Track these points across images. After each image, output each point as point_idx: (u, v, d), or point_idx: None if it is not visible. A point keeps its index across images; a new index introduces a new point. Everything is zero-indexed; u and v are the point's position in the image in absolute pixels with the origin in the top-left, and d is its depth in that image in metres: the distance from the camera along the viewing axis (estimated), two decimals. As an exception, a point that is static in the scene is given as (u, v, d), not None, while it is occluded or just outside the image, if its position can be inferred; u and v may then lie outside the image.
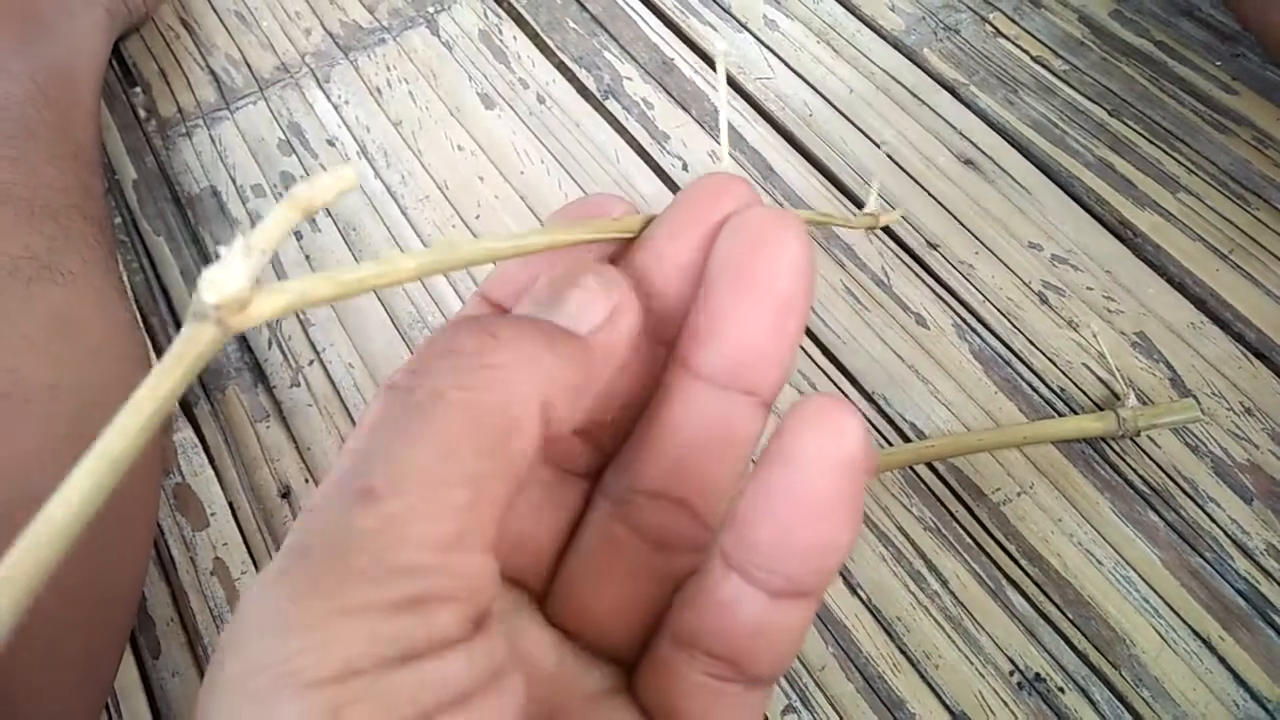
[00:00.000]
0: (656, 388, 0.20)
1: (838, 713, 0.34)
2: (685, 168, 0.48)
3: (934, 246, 0.44)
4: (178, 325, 0.43)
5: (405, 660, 0.13)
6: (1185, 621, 0.35)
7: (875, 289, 0.43)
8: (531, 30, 0.54)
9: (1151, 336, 0.41)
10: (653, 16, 0.54)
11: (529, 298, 0.18)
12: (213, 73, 0.53)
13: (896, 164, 0.47)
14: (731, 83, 0.51)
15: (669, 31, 0.54)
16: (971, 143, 0.48)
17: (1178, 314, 0.42)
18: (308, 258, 0.45)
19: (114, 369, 0.35)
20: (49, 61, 0.44)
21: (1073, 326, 0.42)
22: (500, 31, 0.54)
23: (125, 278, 0.43)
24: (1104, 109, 0.48)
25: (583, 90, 0.51)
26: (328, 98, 0.51)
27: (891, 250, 0.44)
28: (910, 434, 0.40)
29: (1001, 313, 0.42)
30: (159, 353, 0.42)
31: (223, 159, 0.49)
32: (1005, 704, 0.34)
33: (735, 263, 0.18)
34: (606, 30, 0.54)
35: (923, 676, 0.34)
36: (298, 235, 0.46)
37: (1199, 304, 0.42)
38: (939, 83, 0.50)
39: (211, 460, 0.40)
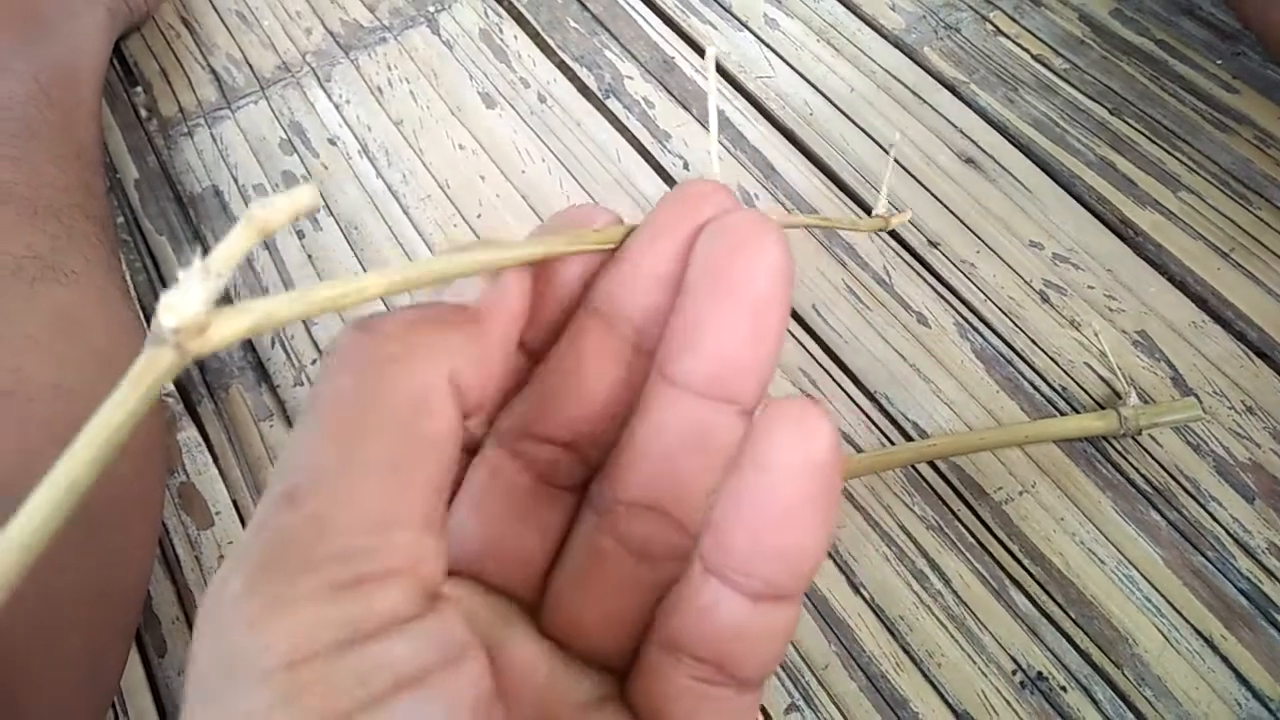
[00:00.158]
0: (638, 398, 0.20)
1: (841, 711, 0.34)
2: (686, 166, 0.48)
3: (935, 245, 0.44)
4: (180, 325, 0.43)
5: (355, 642, 0.14)
6: (1187, 620, 0.35)
7: (877, 288, 0.43)
8: (532, 29, 0.54)
9: (1153, 335, 0.41)
10: (653, 15, 0.54)
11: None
12: (214, 72, 0.53)
13: (897, 162, 0.47)
14: (732, 81, 0.51)
15: (669, 30, 0.54)
16: (972, 141, 0.48)
17: (1179, 313, 0.42)
18: (310, 257, 0.45)
19: (117, 369, 0.34)
20: (51, 61, 0.44)
21: (1074, 325, 0.42)
22: (501, 30, 0.54)
23: (128, 277, 0.43)
24: (1105, 108, 0.49)
25: (584, 89, 0.51)
26: (329, 97, 0.51)
27: (893, 249, 0.44)
28: (912, 433, 0.40)
29: (1003, 312, 0.42)
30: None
31: (224, 158, 0.49)
32: (1008, 703, 0.34)
33: (712, 268, 0.18)
34: (607, 29, 0.54)
35: (925, 675, 0.35)
36: (300, 234, 0.46)
37: (1200, 303, 0.42)
38: (940, 81, 0.50)
39: (216, 459, 0.40)
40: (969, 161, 0.47)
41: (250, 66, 0.53)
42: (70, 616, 0.30)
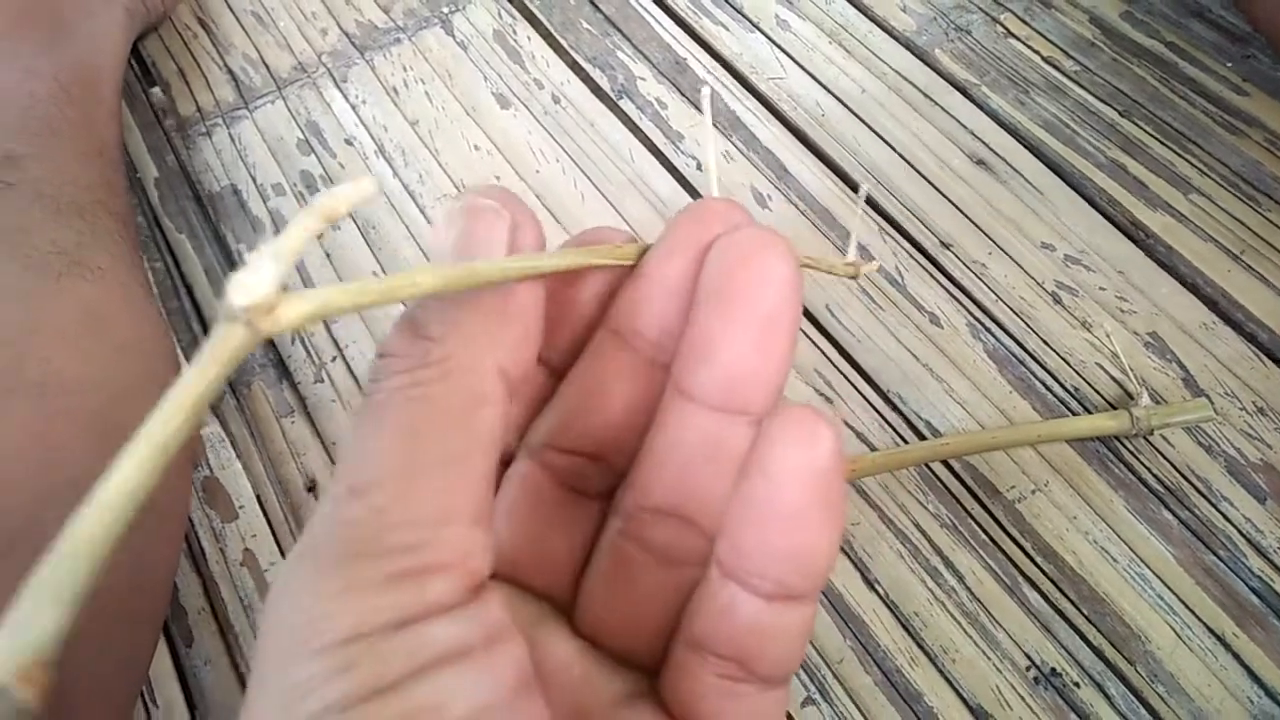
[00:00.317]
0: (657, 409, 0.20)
1: (856, 705, 0.34)
2: (699, 167, 0.48)
3: (947, 246, 0.45)
4: (201, 321, 0.44)
5: (404, 624, 0.15)
6: (1200, 618, 0.36)
7: (889, 288, 0.44)
8: (545, 31, 0.54)
9: (1164, 337, 0.42)
10: (665, 17, 0.55)
11: (441, 246, 0.19)
12: (231, 72, 0.53)
13: (909, 164, 0.48)
14: (744, 83, 0.52)
15: (681, 32, 0.54)
16: (984, 143, 0.48)
17: (1190, 314, 0.42)
18: (328, 255, 0.46)
19: (141, 364, 0.35)
20: (71, 61, 0.45)
21: (1086, 326, 0.42)
22: (514, 32, 0.54)
23: (149, 274, 0.43)
24: (1115, 110, 0.49)
25: (597, 90, 0.52)
26: (345, 97, 0.52)
27: (905, 250, 0.45)
28: (925, 432, 0.40)
29: (1015, 312, 0.43)
30: (182, 349, 0.42)
31: (243, 158, 0.50)
32: (1021, 698, 0.34)
33: (721, 283, 0.19)
34: (620, 30, 0.54)
35: (940, 670, 0.35)
36: (318, 234, 0.46)
37: (1211, 305, 0.43)
38: (951, 83, 0.51)
39: (239, 454, 0.40)
40: (980, 163, 0.48)
41: (267, 67, 0.53)
42: (105, 605, 0.30)
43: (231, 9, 0.56)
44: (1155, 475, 0.38)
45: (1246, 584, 0.36)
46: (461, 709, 0.15)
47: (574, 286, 0.21)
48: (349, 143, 0.50)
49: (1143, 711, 0.34)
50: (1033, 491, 0.38)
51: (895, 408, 0.41)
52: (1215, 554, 0.37)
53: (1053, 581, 0.36)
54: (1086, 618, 0.36)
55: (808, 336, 0.42)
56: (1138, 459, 0.39)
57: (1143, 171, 0.47)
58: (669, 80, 0.52)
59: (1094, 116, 0.49)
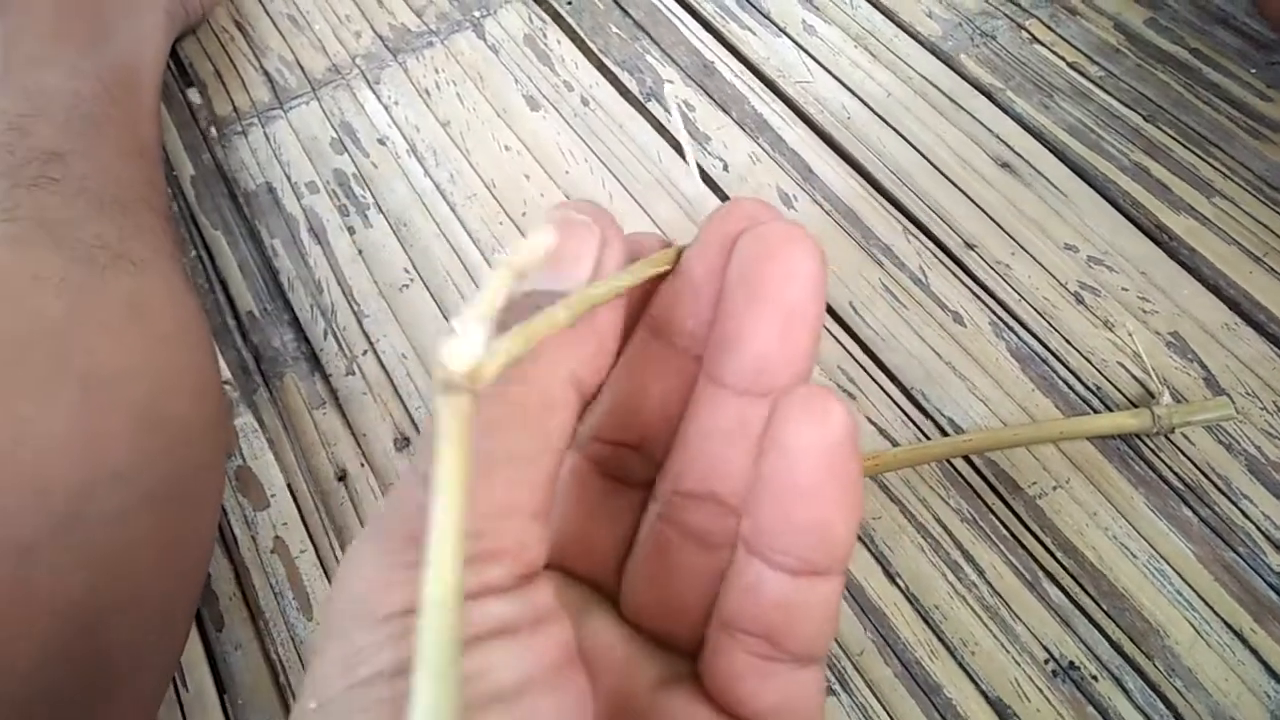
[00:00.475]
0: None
1: (876, 696, 0.35)
2: (726, 168, 0.49)
3: (971, 247, 0.45)
4: (236, 316, 0.45)
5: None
6: (1218, 614, 0.36)
7: (913, 287, 0.44)
8: (575, 34, 0.55)
9: (1186, 337, 0.42)
10: (693, 21, 0.55)
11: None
12: (266, 73, 0.54)
13: (934, 166, 0.48)
14: (771, 86, 0.52)
15: (709, 36, 0.55)
16: (1008, 146, 0.49)
17: (1212, 315, 0.43)
18: (360, 252, 0.47)
19: (182, 357, 0.36)
20: (114, 61, 0.46)
21: (1108, 326, 0.43)
22: (545, 35, 0.55)
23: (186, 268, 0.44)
24: (1139, 114, 0.49)
25: (625, 93, 0.53)
26: (378, 98, 0.53)
27: (929, 250, 0.45)
28: (948, 429, 0.40)
29: (1038, 312, 0.43)
30: (218, 342, 0.43)
31: (277, 156, 0.51)
32: (1040, 690, 0.35)
33: (749, 275, 0.20)
34: (648, 34, 0.55)
35: (960, 663, 0.35)
36: (350, 230, 0.47)
37: (1233, 306, 0.43)
38: (976, 87, 0.51)
39: (271, 444, 0.41)
40: (1005, 166, 0.48)
41: (302, 68, 0.54)
42: (146, 588, 0.31)
43: (267, 12, 0.57)
44: (1176, 473, 0.39)
45: (1265, 580, 0.36)
46: (505, 678, 0.16)
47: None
48: (382, 142, 0.51)
49: (1160, 705, 0.34)
50: (1054, 488, 0.39)
51: (918, 404, 0.41)
52: (1235, 551, 0.37)
53: (1072, 577, 0.37)
54: (1106, 613, 0.36)
55: (832, 334, 0.43)
56: (1158, 457, 0.39)
57: (1166, 175, 0.47)
58: (696, 83, 0.53)
59: (1118, 121, 0.49)
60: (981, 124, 0.50)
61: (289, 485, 0.40)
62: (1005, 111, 0.50)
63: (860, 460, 0.18)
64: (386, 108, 0.52)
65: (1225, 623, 0.36)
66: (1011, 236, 0.46)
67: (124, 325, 0.34)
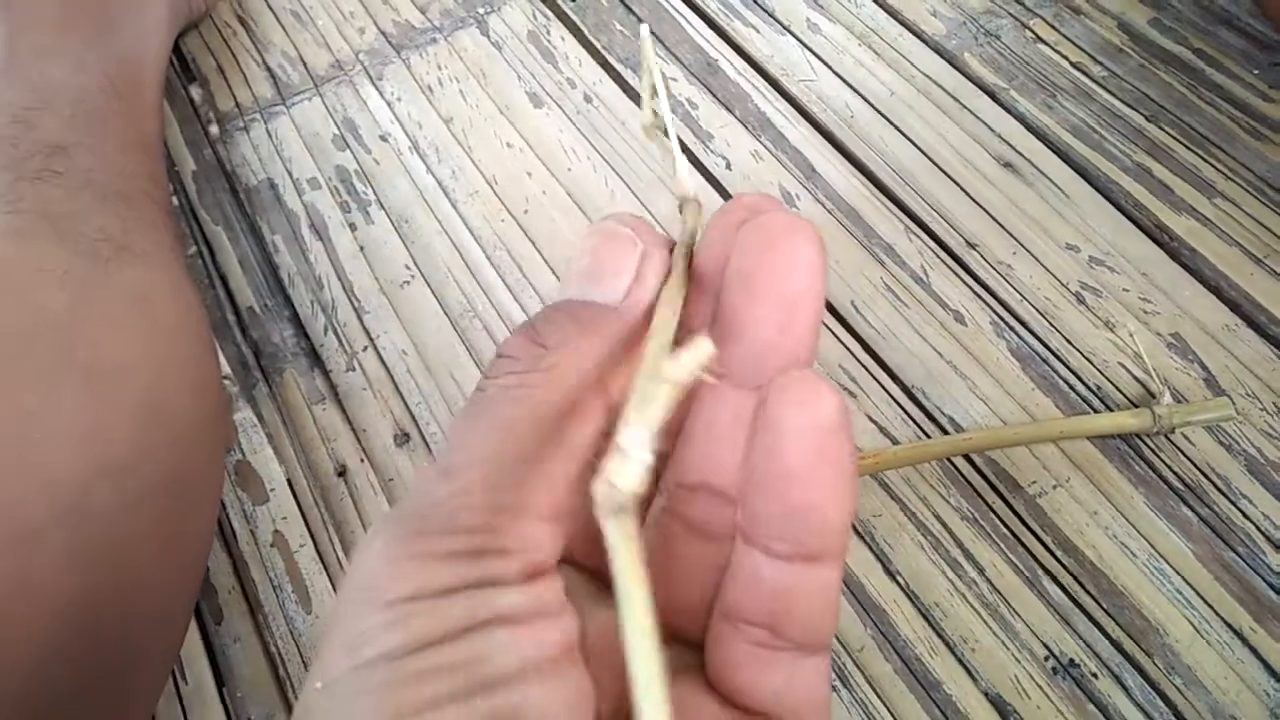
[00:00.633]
0: None
1: (876, 692, 0.35)
2: (729, 166, 0.49)
3: (973, 246, 0.45)
4: (236, 312, 0.45)
5: (462, 590, 0.16)
6: (1217, 613, 0.36)
7: (915, 286, 0.44)
8: (579, 32, 0.55)
9: (1186, 338, 0.42)
10: (697, 19, 0.55)
11: (573, 271, 0.21)
12: (269, 69, 0.54)
13: (937, 165, 0.48)
14: (774, 84, 0.52)
15: (713, 34, 0.55)
16: (1011, 146, 0.49)
17: (1213, 316, 0.43)
18: (361, 249, 0.47)
19: (184, 350, 0.36)
20: (118, 55, 0.46)
21: (1109, 326, 0.43)
22: (549, 33, 0.55)
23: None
24: (1142, 115, 0.49)
25: (628, 90, 0.53)
26: (381, 95, 0.53)
27: (931, 249, 0.45)
28: (948, 427, 0.40)
29: (1039, 312, 0.43)
30: (218, 337, 0.43)
31: (279, 152, 0.51)
32: (1040, 687, 0.35)
33: (748, 265, 0.20)
34: (652, 32, 0.55)
35: (959, 660, 0.35)
36: (352, 227, 0.47)
37: (1234, 307, 0.43)
38: (979, 87, 0.51)
39: (270, 439, 0.41)
40: (1007, 165, 0.48)
41: (305, 64, 0.54)
42: (142, 581, 0.31)
43: (271, 8, 0.57)
44: (1176, 473, 0.39)
45: (1265, 580, 0.36)
46: (504, 663, 0.16)
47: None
48: (384, 139, 0.51)
49: (1159, 703, 0.34)
50: (1054, 487, 0.39)
51: (919, 403, 0.41)
52: (1234, 550, 0.37)
53: (1072, 575, 0.37)
54: (1105, 611, 0.36)
55: (833, 333, 0.43)
56: (1158, 456, 0.39)
57: (1168, 175, 0.47)
58: (700, 81, 0.53)
59: (1121, 121, 0.49)
60: (984, 123, 0.50)
61: (288, 480, 0.40)
62: (1008, 111, 0.50)
63: (852, 443, 0.18)
64: (389, 104, 0.52)
65: (1225, 621, 0.36)
66: (1013, 236, 0.46)
67: (127, 318, 0.35)
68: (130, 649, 0.31)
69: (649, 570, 0.22)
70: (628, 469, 0.15)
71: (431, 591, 0.16)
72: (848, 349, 0.43)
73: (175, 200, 0.49)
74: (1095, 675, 0.35)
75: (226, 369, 0.43)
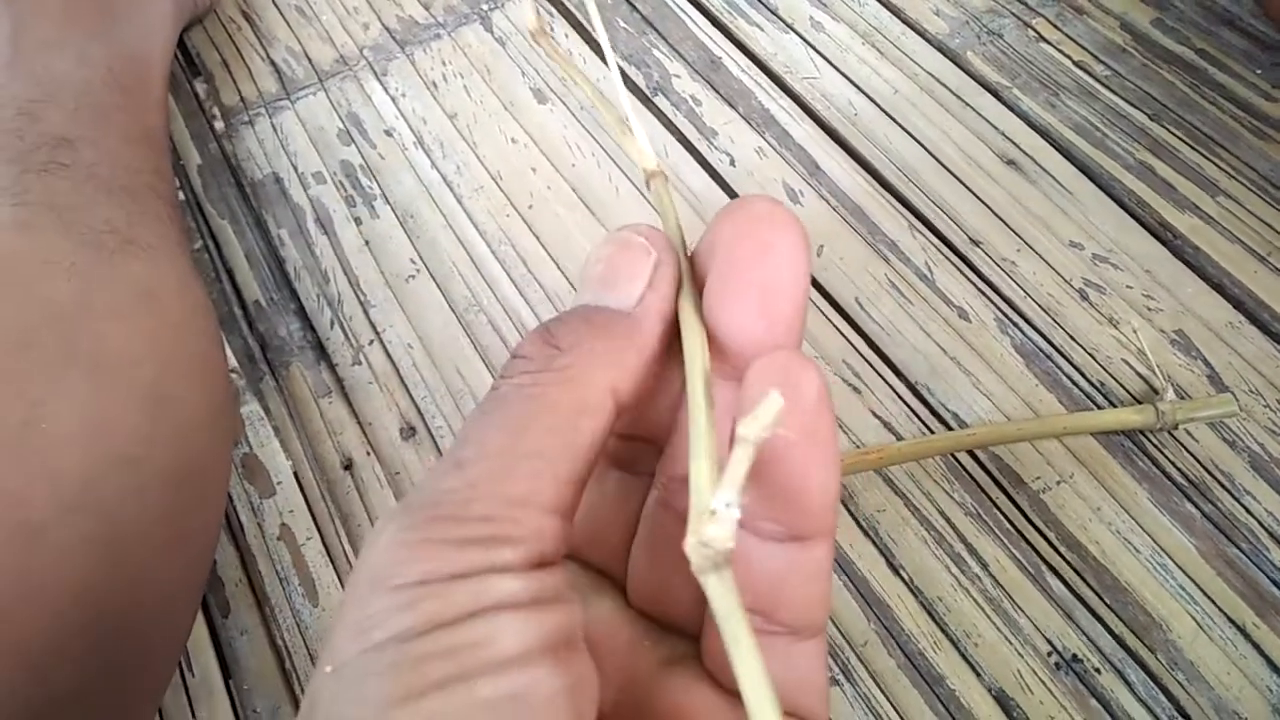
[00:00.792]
0: None
1: (879, 686, 0.35)
2: (732, 163, 0.49)
3: (976, 243, 0.45)
4: (242, 305, 0.45)
5: (468, 576, 0.16)
6: (1220, 608, 0.36)
7: (918, 283, 0.44)
8: (583, 28, 0.55)
9: (1190, 335, 0.42)
10: (700, 16, 0.56)
11: (588, 277, 0.21)
12: (274, 64, 0.54)
13: (940, 163, 0.48)
14: (778, 82, 0.52)
15: (716, 31, 0.55)
16: (1014, 144, 0.49)
17: (1216, 313, 0.43)
18: (367, 243, 0.47)
19: (190, 343, 0.36)
20: (123, 49, 0.46)
21: (1113, 323, 0.43)
22: (552, 29, 0.55)
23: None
24: (1145, 114, 0.49)
25: (632, 87, 0.53)
26: (385, 90, 0.53)
27: (935, 246, 0.45)
28: (952, 423, 0.41)
29: (1043, 308, 0.43)
30: (224, 330, 0.43)
31: (284, 146, 0.51)
32: (1043, 682, 0.35)
33: (726, 254, 0.20)
34: (655, 29, 0.55)
35: (962, 654, 0.35)
36: (357, 221, 0.47)
37: (1237, 304, 0.43)
38: (982, 85, 0.51)
39: (277, 432, 0.41)
40: (1010, 163, 0.48)
41: (309, 59, 0.55)
42: (152, 573, 0.31)
43: (275, 3, 0.57)
44: (1179, 469, 0.39)
45: (1268, 576, 0.36)
46: (507, 646, 0.16)
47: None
48: (388, 134, 0.51)
49: (1162, 698, 0.34)
50: (1057, 483, 0.39)
51: (923, 399, 0.41)
52: (1237, 546, 0.37)
53: (1075, 570, 0.37)
54: (1108, 606, 0.36)
55: (837, 328, 0.43)
56: (1162, 453, 0.39)
57: (1171, 174, 0.47)
58: (703, 78, 0.53)
59: (1124, 120, 0.49)
60: (987, 121, 0.50)
61: (295, 473, 0.40)
62: (1011, 109, 0.50)
63: (834, 420, 0.18)
64: (394, 99, 0.52)
65: (1228, 617, 0.36)
66: (1017, 233, 0.46)
67: (133, 311, 0.35)
68: (136, 642, 0.31)
69: (649, 568, 0.22)
70: (720, 529, 0.16)
71: (441, 576, 0.16)
72: (852, 345, 0.43)
73: (181, 194, 0.49)
74: (1098, 670, 0.35)
75: (233, 362, 0.43)
